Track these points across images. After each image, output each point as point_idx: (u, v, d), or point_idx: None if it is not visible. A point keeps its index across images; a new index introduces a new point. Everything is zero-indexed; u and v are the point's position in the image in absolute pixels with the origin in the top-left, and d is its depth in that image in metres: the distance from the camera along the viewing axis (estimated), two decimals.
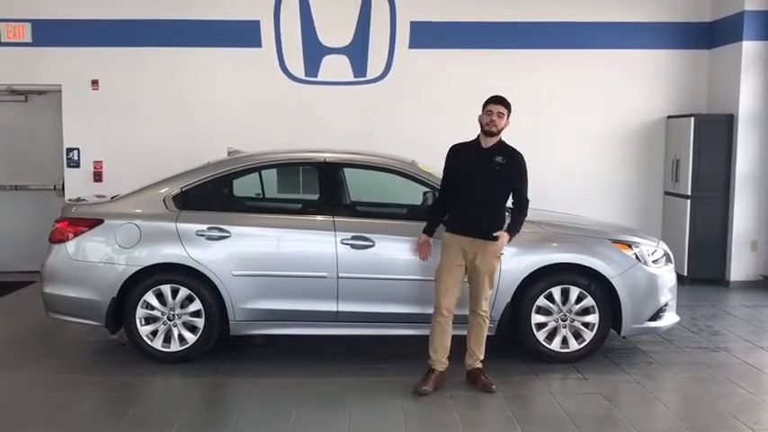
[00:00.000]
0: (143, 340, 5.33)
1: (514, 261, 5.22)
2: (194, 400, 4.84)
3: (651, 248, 5.60)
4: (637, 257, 5.47)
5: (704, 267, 8.39)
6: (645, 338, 6.02)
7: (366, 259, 5.29)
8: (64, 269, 5.34)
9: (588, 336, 5.42)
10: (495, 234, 4.78)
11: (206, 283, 5.29)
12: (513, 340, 5.53)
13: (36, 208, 8.63)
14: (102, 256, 5.30)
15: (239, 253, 5.30)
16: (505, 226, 4.86)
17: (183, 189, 5.48)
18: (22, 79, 8.48)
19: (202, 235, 5.30)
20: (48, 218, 6.42)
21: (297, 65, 8.57)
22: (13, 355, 5.69)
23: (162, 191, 5.49)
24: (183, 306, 5.32)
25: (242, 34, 8.49)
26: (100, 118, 8.49)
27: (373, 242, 5.30)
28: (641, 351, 5.83)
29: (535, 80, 8.57)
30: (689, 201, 8.33)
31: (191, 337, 5.34)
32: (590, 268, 5.36)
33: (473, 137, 4.97)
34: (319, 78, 8.58)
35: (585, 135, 8.71)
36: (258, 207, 6.14)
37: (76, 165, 8.51)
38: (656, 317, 5.53)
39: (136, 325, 5.31)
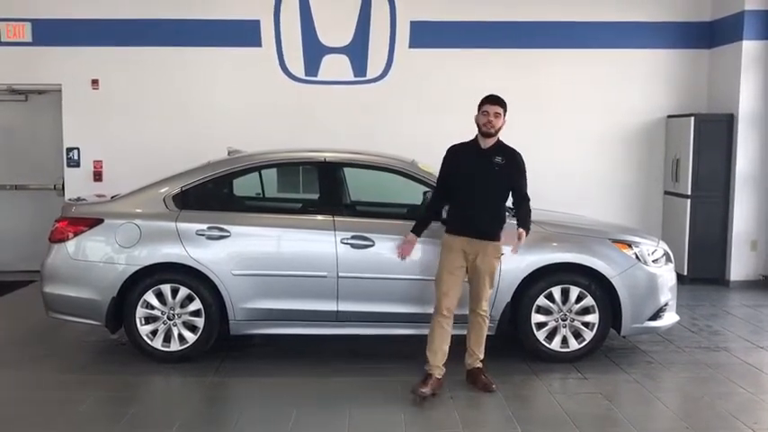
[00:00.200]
0: (143, 340, 5.33)
1: (514, 261, 5.20)
2: (194, 400, 4.85)
3: (651, 248, 5.60)
4: (637, 257, 5.47)
5: (704, 267, 8.39)
6: (645, 338, 6.02)
7: (366, 259, 5.29)
8: (64, 269, 5.34)
9: (588, 335, 5.42)
10: (518, 231, 4.78)
11: (206, 283, 5.29)
12: (513, 340, 5.53)
13: (36, 207, 8.63)
14: (103, 256, 5.30)
15: (239, 252, 5.30)
16: (507, 225, 4.86)
17: (184, 189, 5.48)
18: (22, 79, 8.48)
19: (202, 234, 5.30)
20: (48, 217, 6.43)
21: (297, 64, 8.57)
22: (13, 355, 5.69)
23: (162, 190, 5.49)
24: (182, 305, 5.32)
25: (242, 34, 8.48)
26: (100, 118, 8.49)
27: (373, 242, 5.30)
28: (641, 351, 5.83)
29: (535, 80, 8.57)
30: (689, 200, 8.33)
31: (191, 337, 5.34)
32: (590, 268, 5.36)
33: (472, 137, 4.96)
34: (319, 78, 8.58)
35: (585, 135, 8.71)
36: (258, 207, 6.13)
37: (76, 164, 8.51)
38: (656, 316, 5.53)
39: (136, 324, 5.31)
